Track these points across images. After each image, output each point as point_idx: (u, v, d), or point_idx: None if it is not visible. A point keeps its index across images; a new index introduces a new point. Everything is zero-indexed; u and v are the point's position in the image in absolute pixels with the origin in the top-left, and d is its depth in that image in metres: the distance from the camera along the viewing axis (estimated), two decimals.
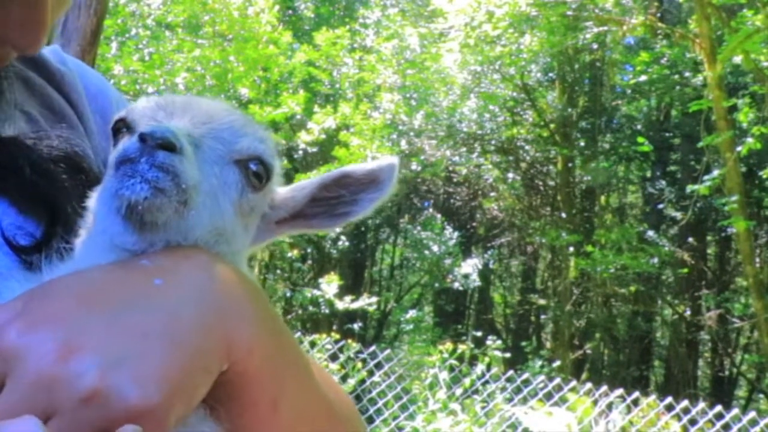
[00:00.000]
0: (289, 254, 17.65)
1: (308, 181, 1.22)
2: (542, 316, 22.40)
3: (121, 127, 1.10)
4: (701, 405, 8.50)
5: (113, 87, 1.56)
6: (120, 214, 0.99)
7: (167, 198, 0.98)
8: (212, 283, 0.99)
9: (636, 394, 8.82)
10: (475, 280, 20.52)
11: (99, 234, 1.05)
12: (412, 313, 21.23)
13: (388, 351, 10.18)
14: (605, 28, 16.70)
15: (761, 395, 20.22)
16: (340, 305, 14.06)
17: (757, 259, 16.00)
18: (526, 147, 21.31)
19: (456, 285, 20.64)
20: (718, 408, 8.38)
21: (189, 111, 1.08)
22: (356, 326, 18.27)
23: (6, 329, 0.87)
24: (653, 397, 8.96)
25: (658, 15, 17.60)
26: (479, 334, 17.36)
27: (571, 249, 18.79)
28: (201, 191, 1.02)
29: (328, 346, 9.73)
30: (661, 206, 20.02)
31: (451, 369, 9.45)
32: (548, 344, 21.28)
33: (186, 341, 0.91)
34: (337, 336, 10.19)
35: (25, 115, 1.28)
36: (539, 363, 14.97)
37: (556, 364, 14.42)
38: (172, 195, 0.98)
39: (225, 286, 1.00)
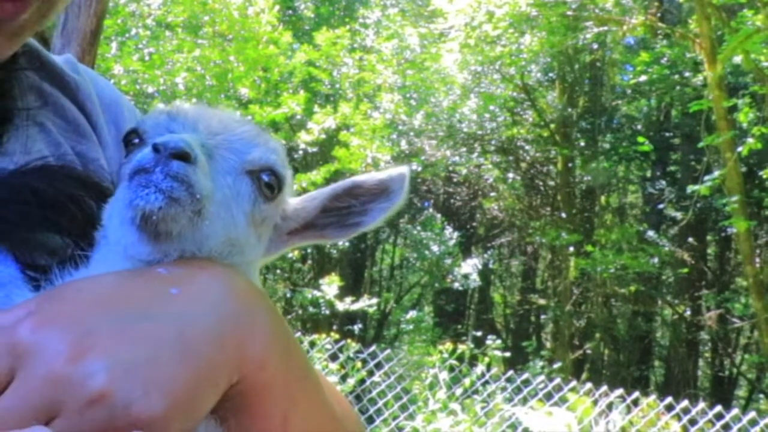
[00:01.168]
0: (290, 255, 17.65)
1: (319, 191, 1.23)
2: (542, 316, 22.43)
3: (133, 138, 1.10)
4: (701, 405, 8.50)
5: (125, 97, 1.55)
6: (134, 225, 0.99)
7: (181, 208, 0.98)
8: (228, 295, 0.99)
9: (636, 394, 8.81)
10: (475, 280, 20.53)
11: (113, 244, 1.05)
12: (412, 314, 21.22)
13: (388, 351, 10.18)
14: (605, 28, 16.71)
15: (761, 395, 20.24)
16: (341, 306, 14.07)
17: (757, 259, 16.01)
18: (526, 147, 21.33)
19: (456, 285, 20.64)
20: (718, 408, 8.38)
21: (202, 121, 1.08)
22: (356, 327, 18.28)
23: (20, 325, 0.88)
24: (653, 397, 8.95)
25: (658, 15, 17.60)
26: (479, 334, 17.37)
27: (571, 249, 18.81)
28: (214, 201, 1.02)
29: (328, 346, 9.73)
30: (661, 206, 20.04)
31: (451, 369, 9.45)
32: (548, 344, 21.30)
33: (197, 353, 0.90)
34: (337, 336, 10.20)
35: (38, 126, 1.27)
36: (540, 364, 15.00)
37: (557, 365, 14.44)
38: (186, 205, 0.98)
39: (240, 299, 1.00)
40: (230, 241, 1.07)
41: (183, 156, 0.97)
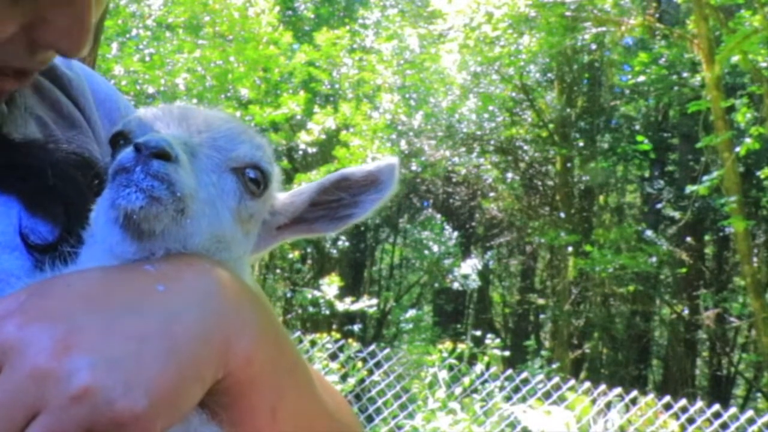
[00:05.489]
0: (290, 255, 17.66)
1: (307, 185, 1.23)
2: (541, 316, 22.46)
3: (120, 139, 1.11)
4: (699, 404, 8.51)
5: (119, 92, 1.55)
6: (117, 224, 1.00)
7: (163, 206, 0.98)
8: (214, 291, 0.99)
9: (634, 393, 8.80)
10: (475, 281, 20.55)
11: (99, 243, 1.05)
12: (411, 313, 21.24)
13: (387, 350, 10.16)
14: (604, 28, 16.75)
15: (759, 394, 20.22)
16: (341, 306, 14.05)
17: (755, 259, 16.01)
18: (525, 147, 21.34)
19: (455, 285, 20.66)
20: (716, 407, 8.37)
21: (186, 120, 1.09)
22: (356, 327, 18.29)
23: (6, 321, 0.88)
24: (651, 396, 8.94)
25: (657, 15, 17.61)
26: (478, 333, 17.38)
27: (570, 249, 18.83)
28: (198, 199, 1.02)
29: (328, 346, 9.74)
30: (659, 206, 20.08)
31: (450, 368, 9.45)
32: (547, 343, 21.31)
33: (182, 349, 0.91)
34: (338, 336, 10.22)
35: (36, 119, 1.28)
36: (538, 363, 15.02)
37: (555, 365, 14.46)
38: (168, 203, 0.98)
39: (227, 295, 1.00)
40: (216, 238, 1.07)
41: (164, 155, 0.98)
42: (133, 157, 0.98)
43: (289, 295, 18.60)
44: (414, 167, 19.24)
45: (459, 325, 23.62)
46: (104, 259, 1.03)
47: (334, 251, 19.75)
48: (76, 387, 0.83)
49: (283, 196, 1.22)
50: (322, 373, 6.63)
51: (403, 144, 18.89)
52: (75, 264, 1.09)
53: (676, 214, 18.97)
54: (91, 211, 1.14)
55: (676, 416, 8.52)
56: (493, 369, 9.89)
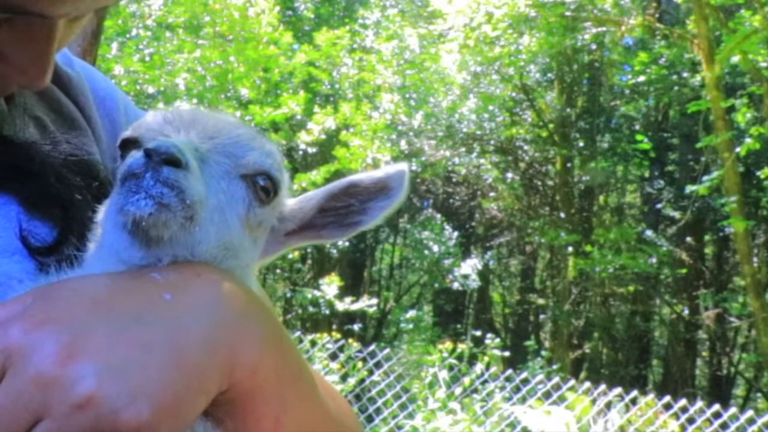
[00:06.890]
0: (290, 255, 17.66)
1: (315, 191, 1.22)
2: (541, 316, 22.47)
3: (129, 143, 1.09)
4: (699, 404, 8.53)
5: (120, 90, 1.54)
6: (126, 230, 0.99)
7: (172, 213, 0.97)
8: (220, 302, 0.98)
9: (634, 393, 8.82)
10: (475, 280, 20.57)
11: (106, 248, 1.05)
12: (411, 313, 21.22)
13: (387, 350, 10.17)
14: (604, 28, 16.77)
15: (759, 394, 20.25)
16: (341, 306, 14.06)
17: (755, 259, 16.02)
18: (525, 147, 21.36)
19: (455, 285, 20.67)
20: (716, 407, 8.39)
21: (196, 125, 1.08)
22: (356, 327, 18.31)
23: (11, 325, 0.87)
24: (651, 396, 8.95)
25: (657, 16, 17.62)
26: (478, 333, 17.39)
27: (570, 249, 18.85)
28: (207, 206, 1.02)
29: (328, 346, 9.75)
30: (659, 206, 20.09)
31: (451, 368, 9.47)
32: (547, 343, 21.33)
33: (187, 360, 0.90)
34: (338, 336, 10.23)
35: (34, 119, 1.27)
36: (539, 363, 15.02)
37: (556, 365, 14.46)
38: (177, 210, 0.97)
39: (233, 306, 0.99)
40: (224, 245, 1.06)
41: (174, 161, 0.97)
42: (143, 163, 0.97)
43: (289, 295, 18.61)
44: (414, 167, 19.23)
45: (459, 325, 23.63)
46: (111, 264, 1.03)
47: (334, 251, 19.76)
48: (80, 394, 0.83)
49: (291, 202, 1.21)
50: (322, 374, 6.65)
51: (403, 144, 18.89)
52: (81, 268, 1.08)
53: (676, 214, 19.00)
54: (91, 213, 1.13)
55: (676, 416, 8.52)
56: (493, 369, 9.89)
